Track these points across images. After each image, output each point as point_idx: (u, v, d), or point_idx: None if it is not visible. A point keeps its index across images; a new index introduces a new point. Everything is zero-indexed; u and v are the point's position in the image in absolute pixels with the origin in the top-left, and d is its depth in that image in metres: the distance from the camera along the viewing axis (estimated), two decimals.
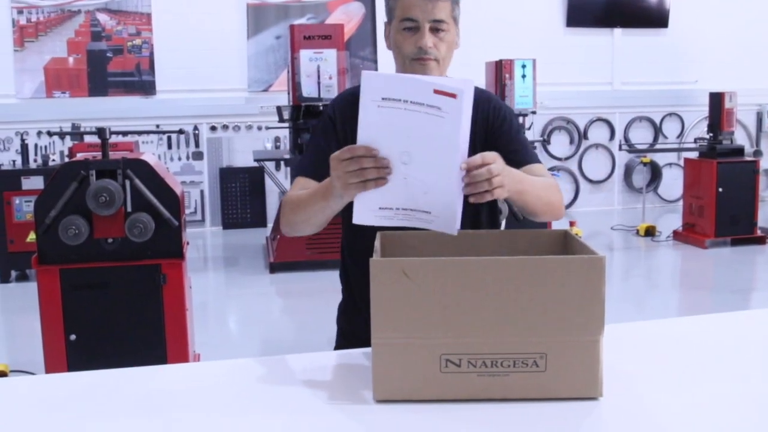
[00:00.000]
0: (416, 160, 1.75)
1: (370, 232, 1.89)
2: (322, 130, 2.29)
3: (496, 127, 2.30)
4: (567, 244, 1.97)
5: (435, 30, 2.14)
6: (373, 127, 1.75)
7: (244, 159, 9.87)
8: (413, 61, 2.17)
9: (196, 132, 9.95)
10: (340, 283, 2.48)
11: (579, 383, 1.68)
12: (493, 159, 1.79)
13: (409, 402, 1.67)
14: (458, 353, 1.66)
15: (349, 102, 2.25)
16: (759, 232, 8.35)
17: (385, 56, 10.05)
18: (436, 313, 1.65)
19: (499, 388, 1.68)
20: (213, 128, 10.02)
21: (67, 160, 6.12)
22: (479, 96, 2.29)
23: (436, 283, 1.64)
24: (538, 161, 2.32)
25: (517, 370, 1.67)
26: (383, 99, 1.71)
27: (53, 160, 7.75)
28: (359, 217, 1.84)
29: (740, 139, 10.30)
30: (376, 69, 10.22)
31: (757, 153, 8.53)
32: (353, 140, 1.94)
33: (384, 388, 1.68)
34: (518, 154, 2.28)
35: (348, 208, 1.98)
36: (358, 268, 2.29)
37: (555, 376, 1.67)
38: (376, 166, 1.75)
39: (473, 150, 2.16)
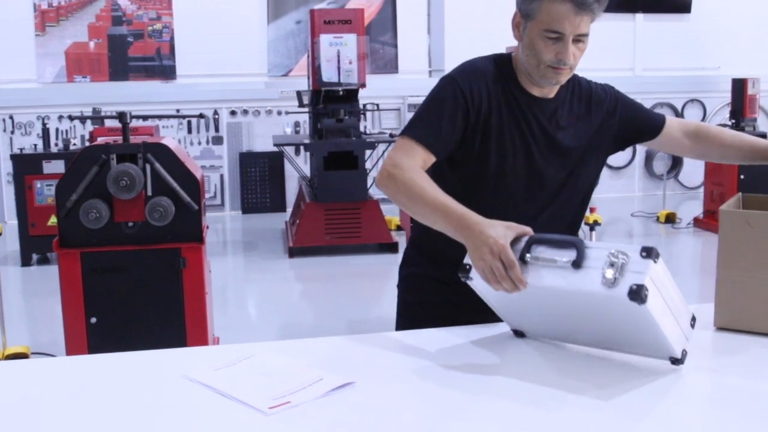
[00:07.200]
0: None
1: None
2: (453, 103, 2.16)
3: (616, 117, 2.34)
4: None
5: (576, 41, 2.09)
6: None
7: (263, 144, 9.89)
8: (548, 68, 2.11)
9: (216, 117, 9.97)
10: (416, 256, 2.40)
11: None
12: None
13: (746, 333, 1.98)
14: None
15: (480, 85, 2.19)
16: None
17: (405, 41, 10.04)
18: None
19: None
20: (233, 113, 10.04)
21: (87, 144, 6.16)
22: (587, 89, 2.34)
23: None
24: (663, 115, 2.43)
25: None
26: None
27: (74, 145, 7.79)
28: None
29: (763, 125, 10.19)
30: (396, 54, 10.20)
31: None
32: (485, 121, 2.12)
33: (725, 318, 2.01)
34: (652, 120, 2.39)
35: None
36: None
37: None
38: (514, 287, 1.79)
39: (609, 141, 2.31)
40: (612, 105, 2.33)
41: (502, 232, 1.81)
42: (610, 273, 1.67)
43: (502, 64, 2.24)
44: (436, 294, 2.27)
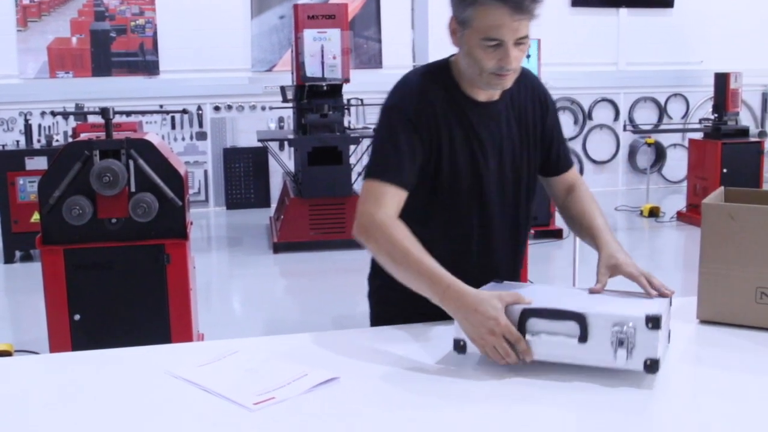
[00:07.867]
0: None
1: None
2: (404, 131, 2.07)
3: (547, 120, 2.28)
4: None
5: (517, 44, 1.98)
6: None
7: (247, 139, 9.86)
8: (492, 75, 2.01)
9: (200, 112, 9.94)
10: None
11: None
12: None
13: (728, 325, 2.00)
14: None
15: (423, 104, 2.10)
16: None
17: (389, 36, 10.03)
18: (753, 250, 1.95)
19: None
20: (217, 108, 10.01)
21: (70, 140, 6.12)
22: (532, 79, 2.27)
23: (756, 224, 1.95)
24: (572, 161, 2.40)
25: None
26: None
27: (57, 141, 7.74)
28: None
29: (745, 119, 10.25)
30: (380, 49, 10.19)
31: (762, 134, 8.50)
32: (437, 139, 2.05)
33: (707, 311, 2.04)
34: (562, 159, 2.35)
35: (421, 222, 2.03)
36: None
37: None
38: (519, 360, 1.77)
39: (527, 138, 2.21)
40: (551, 118, 2.30)
41: (498, 306, 1.76)
42: (622, 353, 1.68)
43: (438, 74, 2.15)
44: (410, 307, 2.08)
